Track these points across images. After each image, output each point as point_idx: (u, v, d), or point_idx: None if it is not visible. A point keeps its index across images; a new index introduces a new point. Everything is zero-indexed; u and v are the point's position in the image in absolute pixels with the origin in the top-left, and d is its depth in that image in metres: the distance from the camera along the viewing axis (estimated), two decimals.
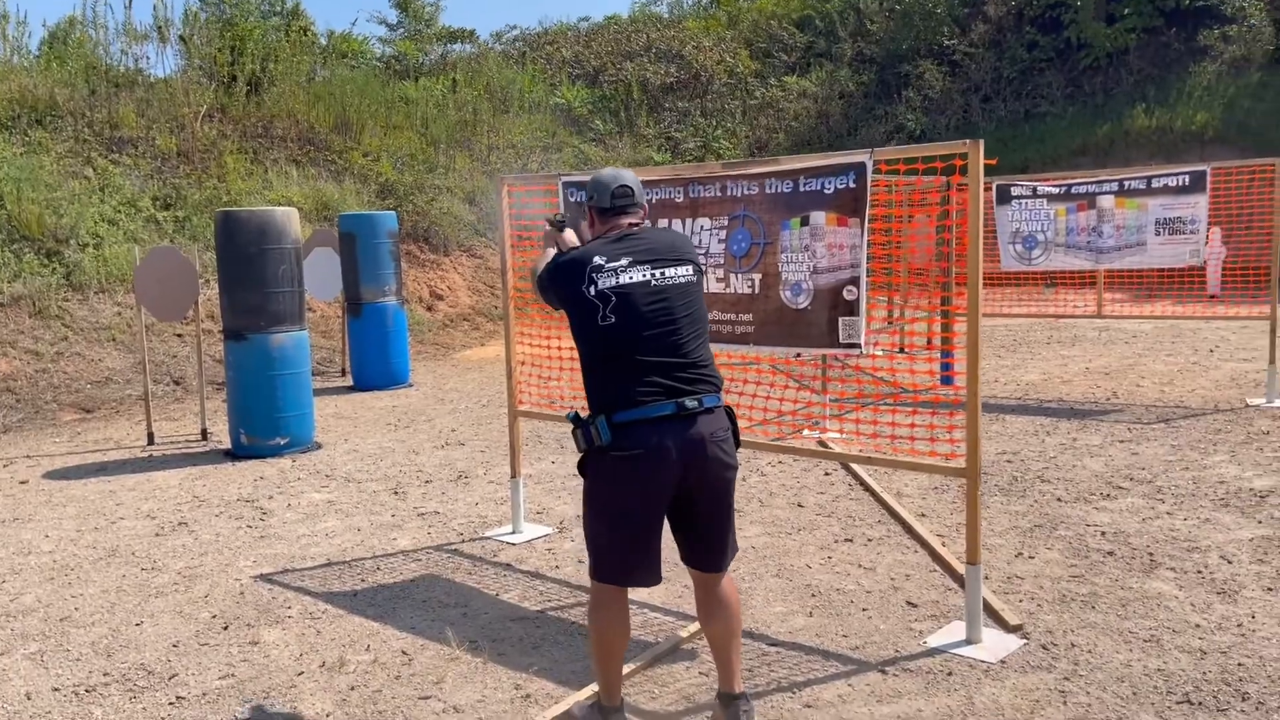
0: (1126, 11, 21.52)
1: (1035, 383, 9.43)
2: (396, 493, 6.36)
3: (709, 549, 3.18)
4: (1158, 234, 8.24)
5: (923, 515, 5.50)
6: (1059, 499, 5.68)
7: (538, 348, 5.51)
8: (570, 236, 3.44)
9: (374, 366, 10.35)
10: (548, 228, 3.57)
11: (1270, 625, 3.85)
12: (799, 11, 27.32)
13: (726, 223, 4.39)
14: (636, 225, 3.31)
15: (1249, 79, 20.14)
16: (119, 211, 12.14)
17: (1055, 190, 8.71)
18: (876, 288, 9.45)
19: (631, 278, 3.09)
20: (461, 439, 7.92)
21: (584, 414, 3.13)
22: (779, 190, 4.20)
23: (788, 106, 24.45)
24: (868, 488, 5.97)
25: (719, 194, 4.39)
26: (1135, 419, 7.69)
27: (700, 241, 4.46)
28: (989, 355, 11.11)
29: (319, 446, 7.75)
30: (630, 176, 3.36)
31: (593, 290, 3.07)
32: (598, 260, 3.12)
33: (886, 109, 23.77)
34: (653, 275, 3.11)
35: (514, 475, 5.33)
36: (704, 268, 3.45)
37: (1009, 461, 6.55)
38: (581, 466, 3.14)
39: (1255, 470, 6.07)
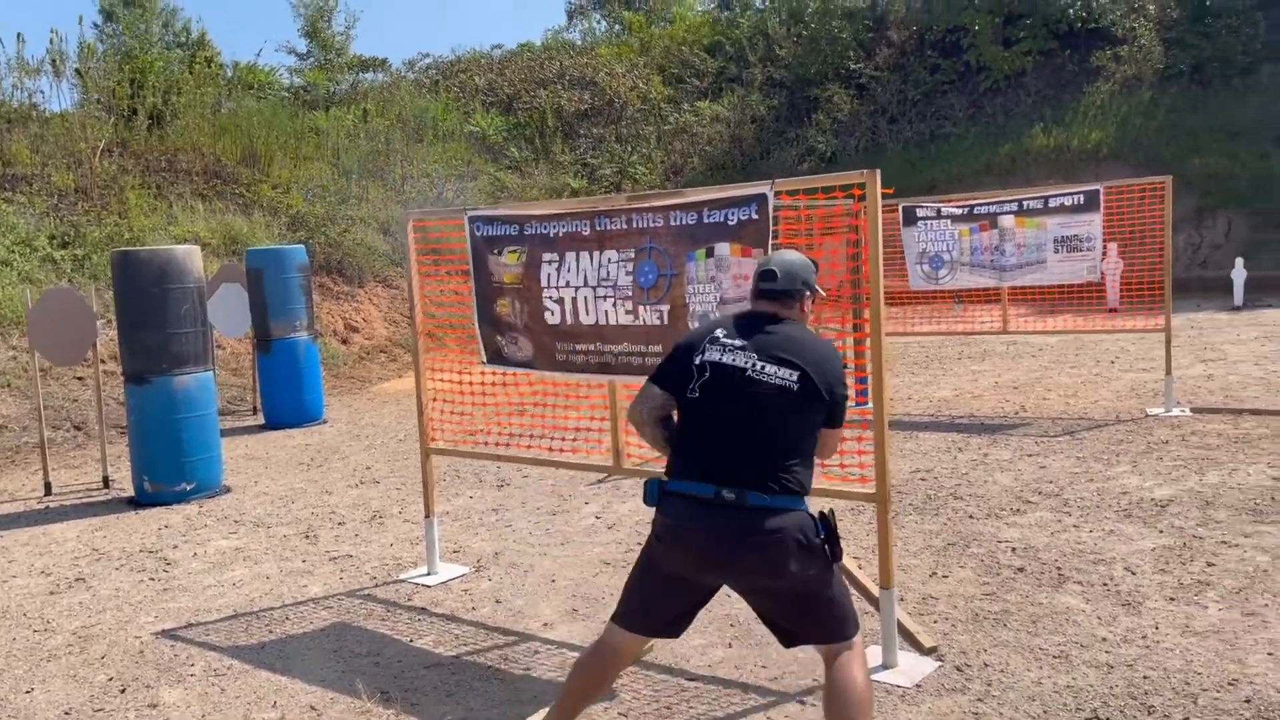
0: (1022, 35, 22.27)
1: (947, 399, 9.62)
2: (308, 536, 6.19)
3: (783, 631, 3.07)
4: (1056, 251, 8.49)
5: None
6: (971, 516, 5.78)
7: (450, 382, 5.43)
8: None
9: (286, 404, 10.11)
10: None
11: (1173, 636, 3.95)
12: (709, 38, 27.69)
13: (633, 255, 4.37)
14: (779, 315, 3.14)
15: (1140, 97, 20.97)
16: (12, 251, 11.69)
17: (958, 211, 8.92)
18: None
19: (733, 360, 3.01)
20: (377, 476, 7.76)
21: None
22: (684, 222, 4.21)
23: (701, 131, 24.72)
24: None
25: (625, 226, 4.38)
26: (1042, 432, 7.88)
27: (608, 274, 4.45)
28: (903, 373, 11.32)
29: (228, 490, 7.51)
30: (786, 261, 3.22)
31: (698, 359, 3.07)
32: (719, 332, 3.11)
33: (798, 132, 24.19)
34: (752, 364, 2.99)
35: (428, 515, 5.22)
36: (824, 388, 2.98)
37: (922, 479, 6.65)
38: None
39: (1156, 480, 6.26)
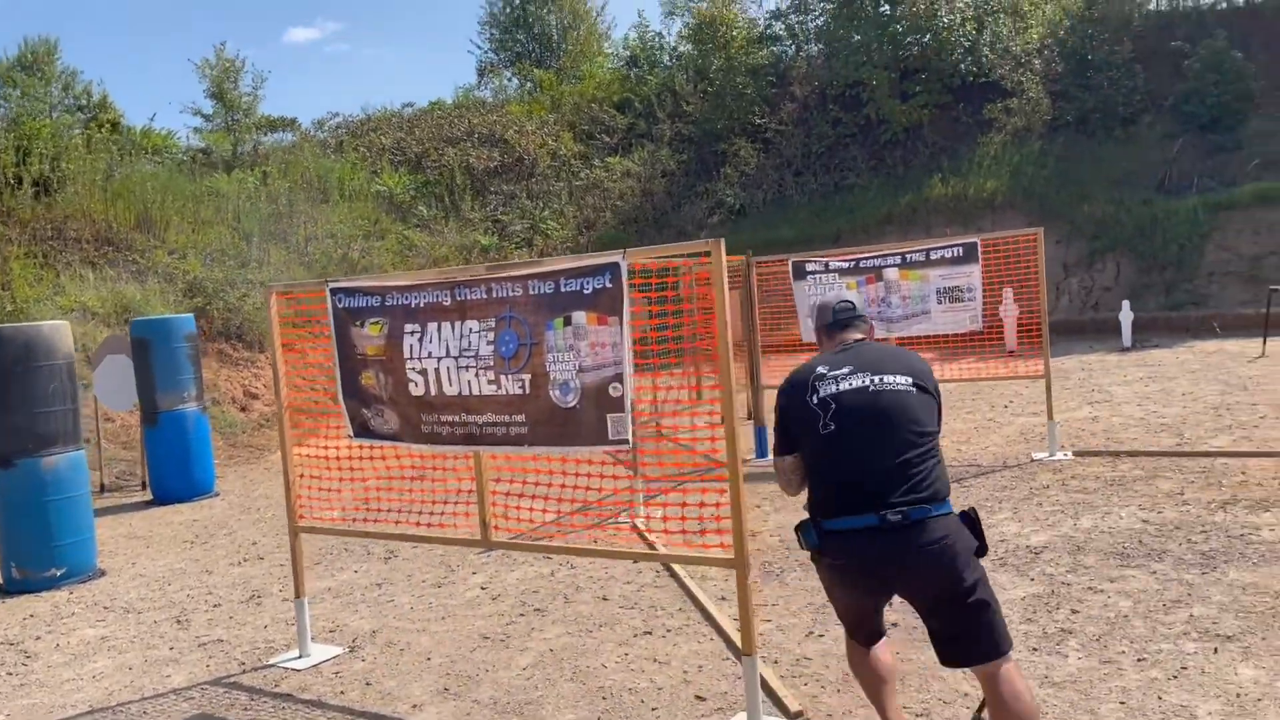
0: (918, 89, 23.02)
1: None
2: (180, 621, 5.96)
3: (956, 645, 3.12)
4: (940, 302, 8.70)
5: (724, 599, 5.52)
6: None
7: (318, 457, 5.31)
8: None
9: (174, 478, 9.79)
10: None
11: (1032, 688, 3.99)
12: (618, 94, 28.08)
13: (494, 324, 4.35)
14: (862, 339, 3.50)
15: (1031, 147, 21.79)
16: None
17: (845, 265, 9.10)
18: (685, 366, 9.63)
19: (851, 384, 3.24)
20: (262, 552, 7.53)
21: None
22: (541, 291, 4.21)
23: (613, 186, 24.95)
24: (673, 573, 5.96)
25: (485, 296, 4.36)
26: None
27: (470, 344, 4.41)
28: None
29: (102, 574, 7.22)
30: (852, 295, 3.64)
31: (815, 399, 3.25)
32: (820, 369, 3.33)
33: (706, 185, 24.57)
34: (870, 381, 3.23)
35: (298, 595, 5.07)
36: (932, 389, 3.29)
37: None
38: (811, 555, 3.32)
39: (1033, 526, 6.39)
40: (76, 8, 61.34)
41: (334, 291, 4.84)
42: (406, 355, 4.59)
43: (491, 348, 4.36)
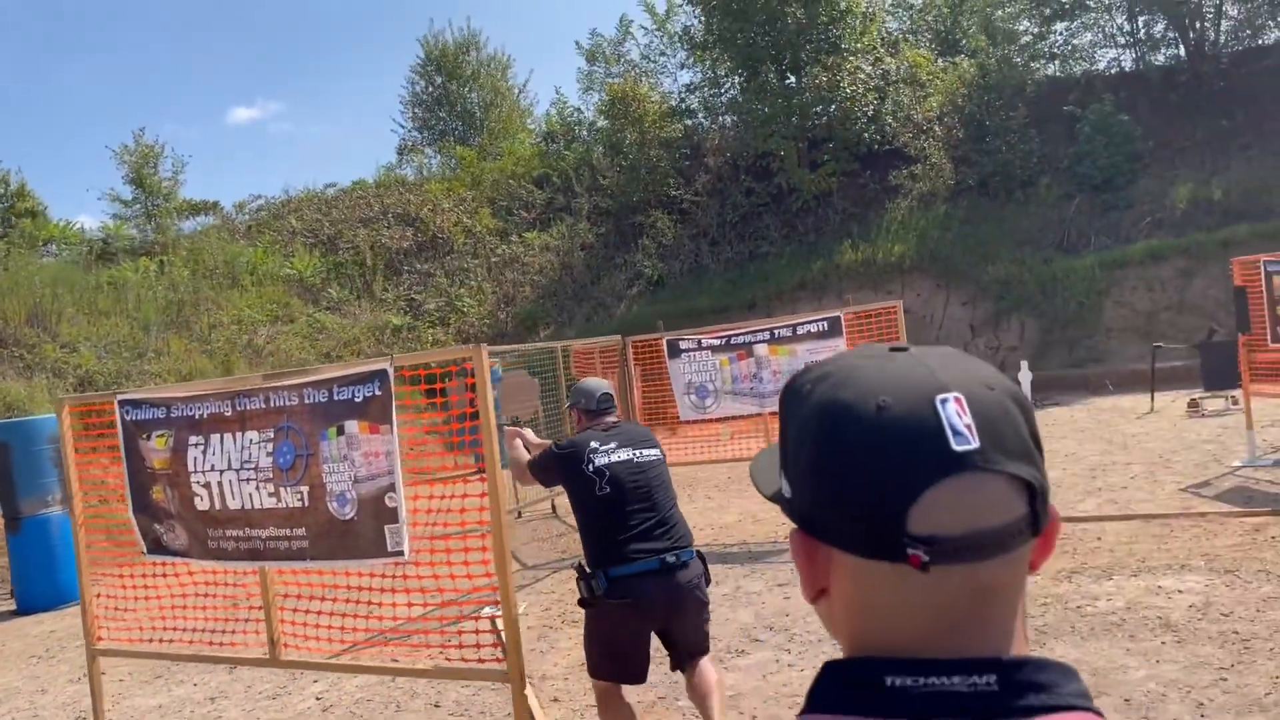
0: (826, 158, 23.51)
1: (729, 525, 9.66)
2: None
3: (689, 655, 4.07)
4: None
5: (556, 700, 5.37)
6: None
7: (116, 575, 5.10)
8: (529, 434, 4.70)
9: (39, 586, 9.42)
10: (506, 427, 4.67)
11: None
12: (537, 170, 28.33)
13: (273, 434, 4.24)
14: (615, 421, 4.28)
15: (936, 211, 22.30)
16: None
17: (717, 342, 9.13)
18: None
19: (620, 457, 4.04)
20: (104, 667, 7.21)
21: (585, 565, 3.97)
22: (316, 400, 4.11)
23: (532, 261, 25.01)
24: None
25: (264, 405, 4.26)
26: None
27: (250, 456, 4.29)
28: (698, 498, 11.36)
29: None
30: (609, 385, 4.43)
31: (590, 468, 4.00)
32: (594, 444, 4.08)
33: (625, 257, 24.74)
34: (634, 454, 4.08)
35: None
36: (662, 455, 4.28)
37: None
38: (582, 603, 3.96)
39: None
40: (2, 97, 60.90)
41: (122, 404, 4.70)
42: (190, 469, 4.45)
43: (271, 459, 4.24)
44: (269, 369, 17.43)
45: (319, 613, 4.46)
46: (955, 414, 0.77)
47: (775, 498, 0.89)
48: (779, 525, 9.34)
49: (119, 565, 5.08)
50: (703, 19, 25.81)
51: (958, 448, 0.76)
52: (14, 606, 9.77)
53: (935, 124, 23.57)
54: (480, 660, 3.94)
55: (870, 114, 23.44)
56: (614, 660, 3.95)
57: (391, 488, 3.93)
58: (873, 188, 23.46)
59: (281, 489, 4.20)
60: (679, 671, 4.16)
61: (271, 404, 4.23)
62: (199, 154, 64.04)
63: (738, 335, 9.08)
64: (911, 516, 0.76)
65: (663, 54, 29.41)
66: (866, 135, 23.34)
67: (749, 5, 23.62)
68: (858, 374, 0.82)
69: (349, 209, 25.99)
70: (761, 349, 8.90)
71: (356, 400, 3.99)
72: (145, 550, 4.74)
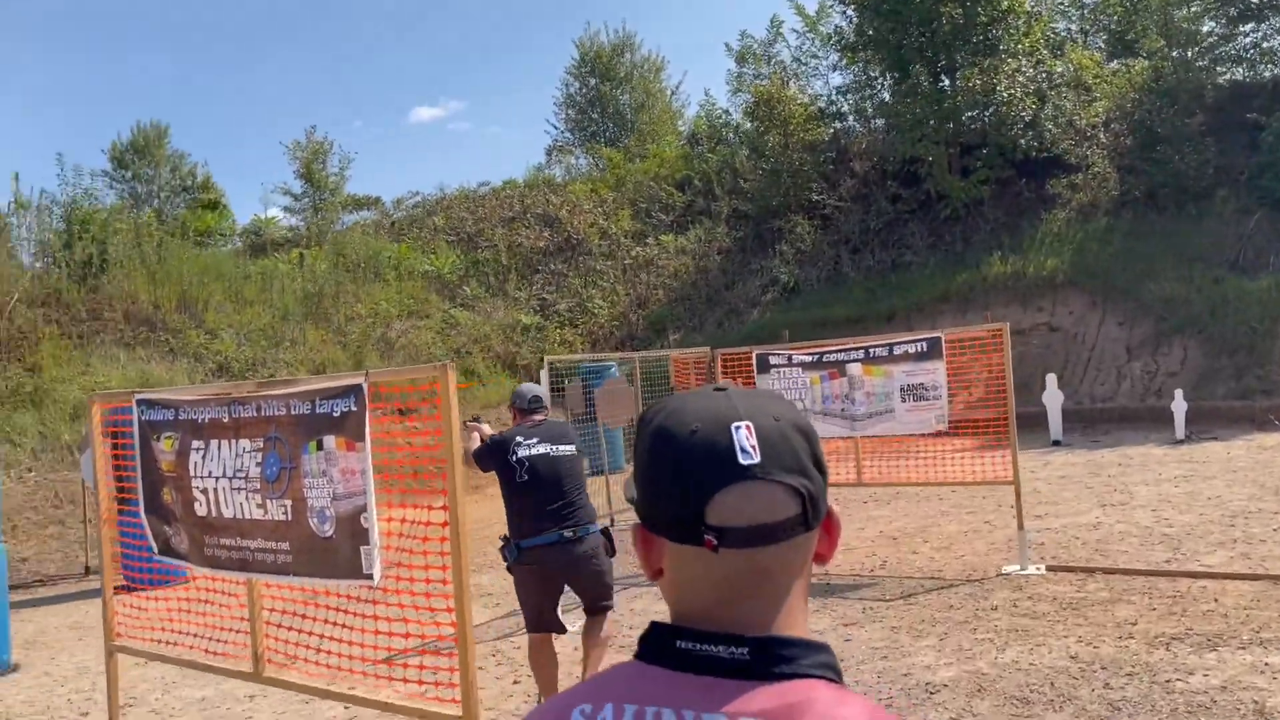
0: (979, 165, 22.34)
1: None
2: None
3: (591, 605, 5.17)
4: (904, 400, 8.16)
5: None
6: None
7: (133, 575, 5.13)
8: (485, 428, 5.51)
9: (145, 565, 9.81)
10: (467, 423, 5.33)
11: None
12: (680, 172, 28.16)
13: (262, 444, 4.14)
14: (541, 420, 5.30)
15: (1096, 224, 20.85)
16: None
17: (809, 359, 8.66)
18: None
19: (538, 451, 5.05)
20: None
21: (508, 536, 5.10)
22: (300, 412, 3.98)
23: (666, 264, 24.85)
24: None
25: (255, 414, 4.16)
26: (881, 594, 7.41)
27: (242, 465, 4.20)
28: None
29: (14, 669, 7.19)
30: (541, 389, 5.48)
31: (514, 458, 5.02)
32: (519, 439, 5.11)
33: (761, 262, 24.24)
34: (551, 449, 5.08)
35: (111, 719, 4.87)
36: (579, 449, 5.32)
37: None
38: (508, 567, 5.14)
39: (950, 658, 5.78)
40: (193, 95, 65.34)
41: (139, 403, 4.71)
42: (191, 473, 4.41)
43: (259, 469, 4.14)
44: (399, 363, 17.87)
45: (299, 630, 4.34)
46: (745, 437, 1.02)
47: (630, 501, 1.36)
48: (868, 555, 8.80)
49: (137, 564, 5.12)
50: (854, 19, 25.00)
51: (743, 461, 1.01)
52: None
53: (1100, 130, 22.08)
54: (437, 699, 3.71)
55: (1028, 119, 22.12)
56: (535, 613, 5.05)
57: (365, 509, 3.76)
58: (1027, 197, 22.15)
59: (268, 501, 4.10)
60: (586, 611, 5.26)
61: (262, 413, 4.12)
62: (381, 151, 66.79)
63: (831, 353, 8.58)
64: (708, 511, 1.01)
65: (814, 56, 28.69)
66: (1023, 141, 22.05)
67: (903, 5, 22.68)
68: (684, 407, 1.07)
69: (494, 208, 26.47)
70: (855, 369, 8.38)
71: (335, 415, 3.84)
72: (156, 550, 4.75)
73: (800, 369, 8.68)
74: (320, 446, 3.89)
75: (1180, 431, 14.47)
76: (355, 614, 4.12)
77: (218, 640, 4.69)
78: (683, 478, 1.01)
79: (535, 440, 5.06)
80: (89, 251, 15.73)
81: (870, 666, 5.75)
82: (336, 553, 3.88)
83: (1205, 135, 20.44)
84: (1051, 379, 15.69)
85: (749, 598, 1.01)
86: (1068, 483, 11.51)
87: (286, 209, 34.31)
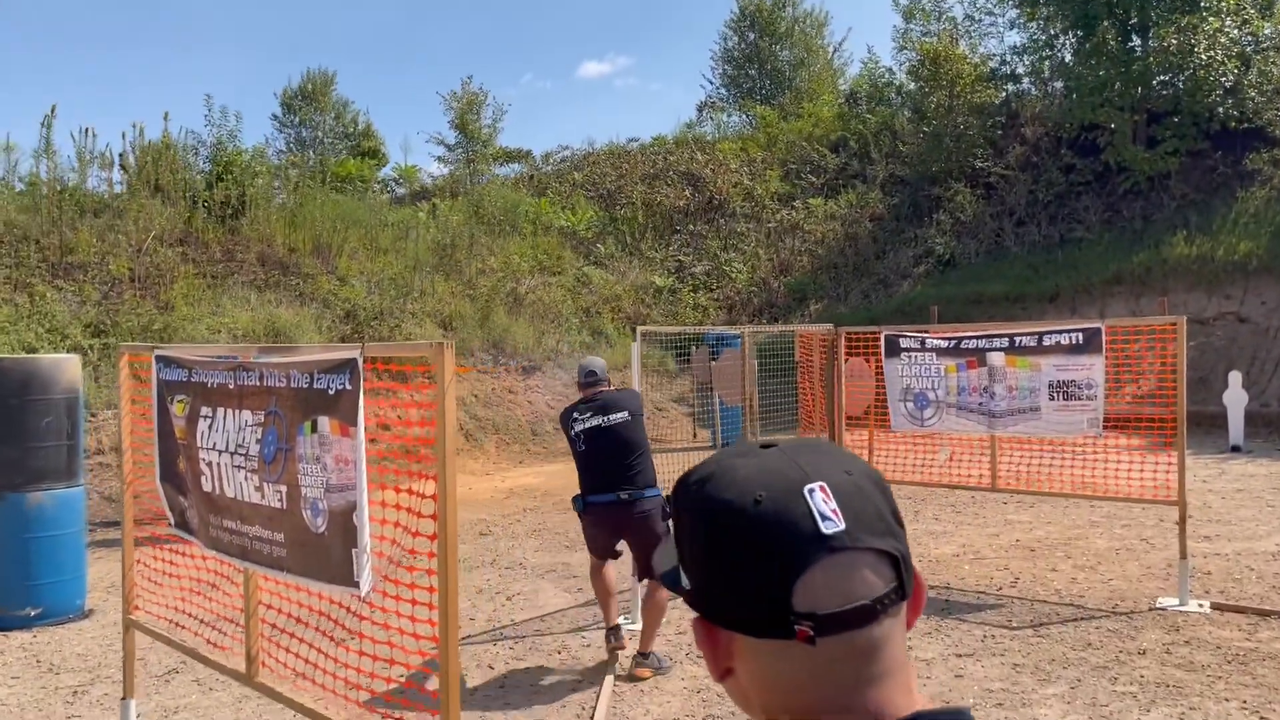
0: (1167, 134, 20.25)
1: (944, 558, 8.21)
2: (78, 692, 5.59)
3: (643, 565, 5.66)
4: (1052, 398, 7.10)
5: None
6: None
7: (150, 546, 4.75)
8: None
9: None
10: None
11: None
12: (836, 133, 26.82)
13: (263, 419, 3.61)
14: (600, 391, 5.74)
15: None
16: (41, 340, 12.02)
17: (944, 344, 7.66)
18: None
19: (592, 423, 5.57)
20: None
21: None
22: (299, 385, 3.42)
23: (813, 229, 23.69)
24: None
25: (258, 383, 3.63)
26: (1005, 620, 6.45)
27: (244, 439, 3.69)
28: (926, 519, 9.89)
29: (88, 614, 7.07)
30: (595, 364, 5.91)
31: (572, 432, 5.64)
32: (575, 414, 5.68)
33: (916, 232, 22.81)
34: (602, 420, 5.56)
35: (126, 696, 4.51)
36: (641, 411, 5.78)
37: None
38: (579, 515, 5.73)
39: (1081, 714, 4.84)
40: (360, 43, 67.02)
41: (158, 360, 4.27)
42: (199, 443, 3.94)
43: (259, 446, 3.62)
44: (526, 319, 17.55)
45: (290, 634, 3.82)
46: (822, 501, 0.89)
47: (675, 589, 0.96)
48: (999, 569, 7.81)
49: (156, 535, 4.74)
50: None
51: (826, 531, 0.88)
52: None
53: None
54: None
55: (1229, 85, 19.85)
56: (592, 545, 5.74)
57: (357, 506, 3.17)
58: (1222, 171, 19.94)
59: (265, 484, 3.57)
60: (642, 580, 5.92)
61: (264, 382, 3.59)
62: (550, 105, 67.00)
63: (970, 339, 7.57)
64: (795, 596, 0.87)
65: (989, 12, 26.63)
66: (1222, 110, 19.83)
67: None
68: (735, 472, 0.92)
69: (637, 163, 25.85)
70: (997, 358, 7.35)
71: (330, 392, 3.26)
72: (173, 523, 4.33)
73: (934, 354, 7.70)
74: (315, 428, 3.32)
75: None
76: (348, 629, 3.57)
77: (219, 630, 4.24)
78: (759, 560, 0.88)
79: (589, 414, 5.59)
80: (229, 193, 15.91)
81: (981, 715, 4.87)
82: (328, 552, 3.32)
83: None
84: (1235, 377, 13.96)
85: (859, 689, 0.88)
86: (1245, 498, 10.09)
87: (440, 159, 34.67)
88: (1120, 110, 20.68)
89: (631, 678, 5.47)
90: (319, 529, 3.35)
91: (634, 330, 7.66)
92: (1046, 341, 7.11)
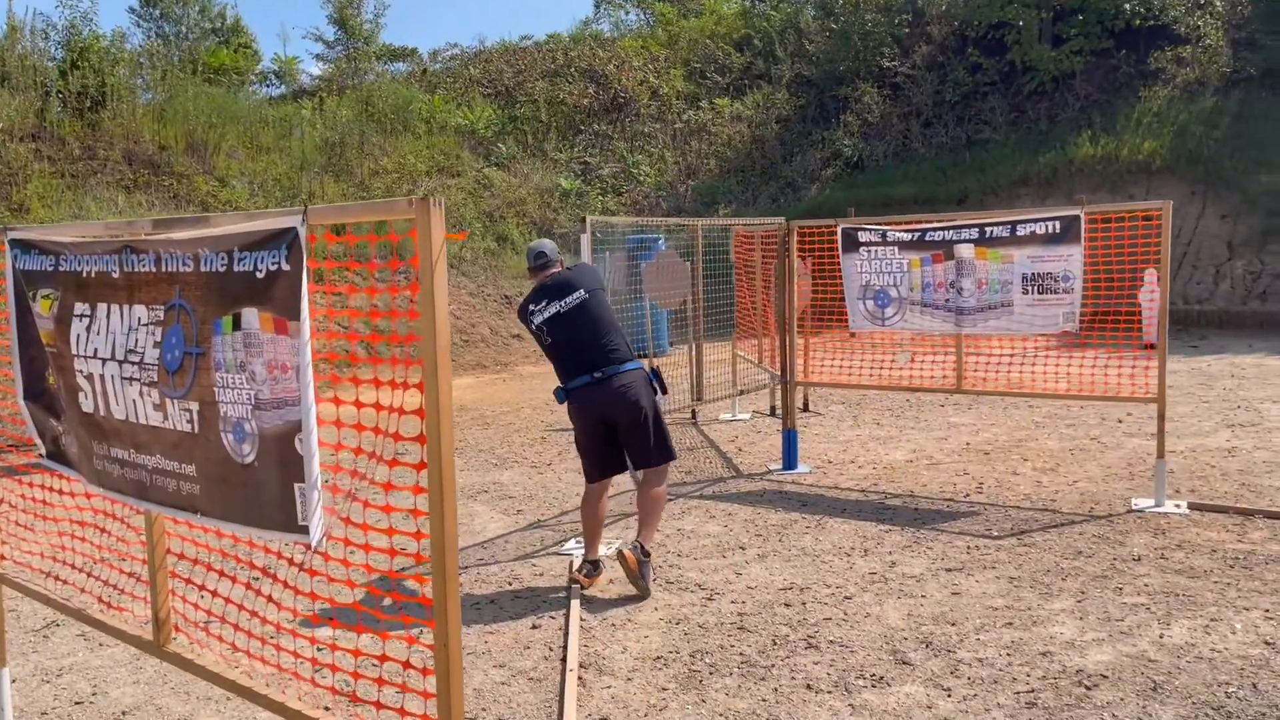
0: (1073, 33, 20.07)
1: (898, 464, 7.80)
2: None
3: (635, 455, 5.25)
4: (1025, 292, 6.63)
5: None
6: (810, 685, 4.02)
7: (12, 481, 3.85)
8: None
9: None
10: None
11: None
12: (739, 31, 25.90)
13: (162, 314, 2.74)
14: (550, 275, 5.28)
15: (1202, 104, 18.68)
16: None
17: (907, 236, 7.10)
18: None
19: (549, 312, 5.15)
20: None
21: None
22: (214, 268, 2.56)
23: (720, 130, 22.93)
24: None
25: (154, 268, 2.75)
26: (985, 529, 6.05)
27: (136, 342, 2.82)
28: (867, 422, 9.49)
29: None
30: (545, 245, 5.40)
31: (533, 326, 5.23)
32: (531, 306, 5.23)
33: (824, 133, 22.29)
34: (560, 305, 5.14)
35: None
36: (601, 285, 5.36)
37: (786, 606, 4.90)
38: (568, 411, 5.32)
39: (1099, 630, 4.43)
40: None
41: (12, 244, 3.32)
42: (74, 350, 3.04)
43: (157, 352, 2.76)
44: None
45: (214, 593, 3.03)
46: None
47: None
48: (958, 473, 7.43)
49: (19, 468, 3.84)
50: None
51: None
52: None
53: None
54: (402, 712, 2.40)
55: None
56: (588, 462, 5.28)
57: (301, 428, 2.38)
58: (1126, 71, 19.89)
59: (168, 400, 2.74)
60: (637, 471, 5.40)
61: (163, 267, 2.72)
62: (435, 2, 63.46)
63: (935, 230, 7.02)
64: None
65: None
66: (1128, 6, 19.67)
67: None
68: None
69: (536, 60, 24.50)
70: (965, 250, 6.83)
71: (259, 275, 2.42)
72: (43, 453, 3.44)
73: (896, 248, 7.15)
74: (237, 325, 2.49)
75: None
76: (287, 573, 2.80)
77: (115, 587, 3.40)
78: None
79: (545, 302, 5.17)
80: (86, 82, 14.20)
81: (994, 637, 4.41)
82: (260, 489, 2.52)
83: None
84: (1150, 274, 13.95)
85: None
86: (1177, 394, 9.99)
87: (318, 57, 32.35)
88: (1027, 7, 20.37)
89: (618, 555, 5.10)
90: (245, 458, 2.54)
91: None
92: (1020, 231, 6.61)
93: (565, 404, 5.20)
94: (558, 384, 5.23)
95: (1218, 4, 19.52)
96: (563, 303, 5.13)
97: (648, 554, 5.07)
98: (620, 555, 5.04)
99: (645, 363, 5.35)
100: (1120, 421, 9.04)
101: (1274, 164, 16.92)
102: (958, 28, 22.45)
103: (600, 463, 5.24)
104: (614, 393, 5.05)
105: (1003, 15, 20.65)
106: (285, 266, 2.35)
